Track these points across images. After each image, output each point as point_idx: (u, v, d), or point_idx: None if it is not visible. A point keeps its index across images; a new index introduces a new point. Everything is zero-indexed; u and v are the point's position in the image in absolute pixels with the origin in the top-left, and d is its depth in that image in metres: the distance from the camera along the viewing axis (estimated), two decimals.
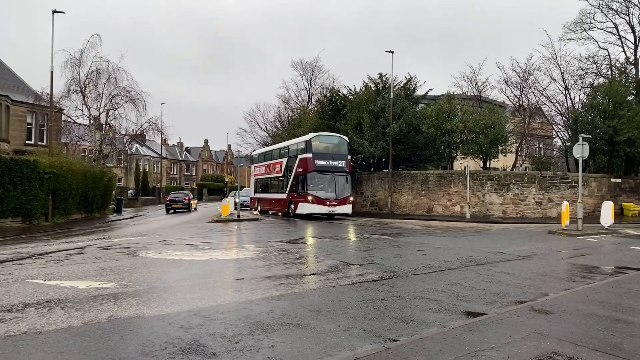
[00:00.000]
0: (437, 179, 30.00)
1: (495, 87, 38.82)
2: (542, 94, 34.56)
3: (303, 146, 27.57)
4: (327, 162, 26.83)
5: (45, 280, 8.30)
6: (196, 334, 5.26)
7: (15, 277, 8.60)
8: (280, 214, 30.65)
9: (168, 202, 36.48)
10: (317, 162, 26.48)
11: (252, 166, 37.92)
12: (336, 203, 26.39)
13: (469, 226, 22.30)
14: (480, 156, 30.91)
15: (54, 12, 25.22)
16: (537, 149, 43.44)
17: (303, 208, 26.38)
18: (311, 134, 28.30)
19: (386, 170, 32.42)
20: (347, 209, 26.86)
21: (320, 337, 5.17)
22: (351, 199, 27.77)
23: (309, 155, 26.57)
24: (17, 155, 25.08)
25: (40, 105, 31.07)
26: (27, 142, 32.66)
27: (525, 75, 33.81)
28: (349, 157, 28.32)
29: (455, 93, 34.26)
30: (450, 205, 29.24)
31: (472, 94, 35.45)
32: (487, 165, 32.39)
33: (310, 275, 8.85)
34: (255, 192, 35.73)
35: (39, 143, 32.55)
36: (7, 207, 19.47)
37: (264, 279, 8.52)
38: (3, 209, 19.36)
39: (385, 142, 30.87)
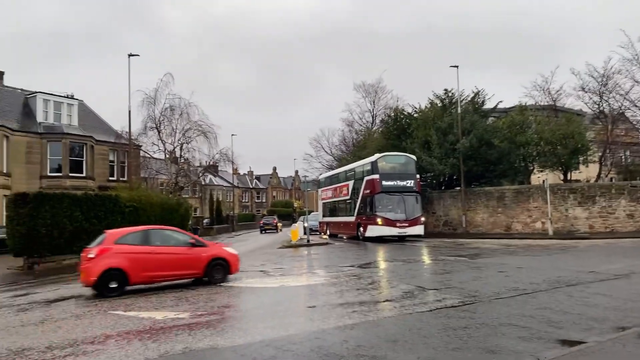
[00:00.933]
0: (514, 194, 28.48)
1: (570, 94, 36.34)
2: (624, 98, 32.03)
3: (369, 167, 26.98)
4: (395, 183, 26.08)
5: (125, 312, 8.54)
6: None
7: (99, 309, 8.94)
8: (346, 237, 30.29)
9: (261, 225, 47.36)
10: (384, 182, 25.80)
11: (320, 190, 37.92)
12: (407, 224, 25.37)
13: (553, 243, 20.82)
14: (560, 168, 29.06)
15: (130, 55, 27.03)
16: (623, 157, 40.23)
17: (372, 231, 25.58)
18: (377, 155, 27.67)
19: (458, 188, 31.28)
20: (418, 229, 25.78)
21: None
22: (422, 219, 26.84)
23: (376, 176, 25.98)
24: (101, 191, 26.77)
25: (121, 143, 33.10)
26: (110, 178, 34.81)
27: (604, 79, 31.51)
28: (418, 176, 27.50)
29: (527, 103, 32.68)
30: (530, 222, 27.56)
31: (545, 103, 33.63)
32: (568, 178, 30.37)
33: (384, 301, 8.48)
34: (324, 216, 35.38)
35: (121, 178, 34.60)
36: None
37: (336, 306, 8.26)
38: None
39: (456, 159, 29.86)
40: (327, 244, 26.35)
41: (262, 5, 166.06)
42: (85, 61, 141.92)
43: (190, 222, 38.19)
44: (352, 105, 74.33)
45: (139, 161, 34.63)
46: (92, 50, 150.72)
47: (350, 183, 29.55)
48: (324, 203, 35.62)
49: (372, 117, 57.19)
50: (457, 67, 30.04)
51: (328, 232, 33.61)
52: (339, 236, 31.84)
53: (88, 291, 11.31)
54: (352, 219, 28.58)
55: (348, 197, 29.80)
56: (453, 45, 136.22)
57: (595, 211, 25.64)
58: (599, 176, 32.95)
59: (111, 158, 35.43)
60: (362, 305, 8.15)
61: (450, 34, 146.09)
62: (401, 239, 26.18)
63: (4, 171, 28.22)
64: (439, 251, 19.04)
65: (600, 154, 32.87)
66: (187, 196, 44.18)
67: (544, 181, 25.51)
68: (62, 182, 30.26)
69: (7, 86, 33.77)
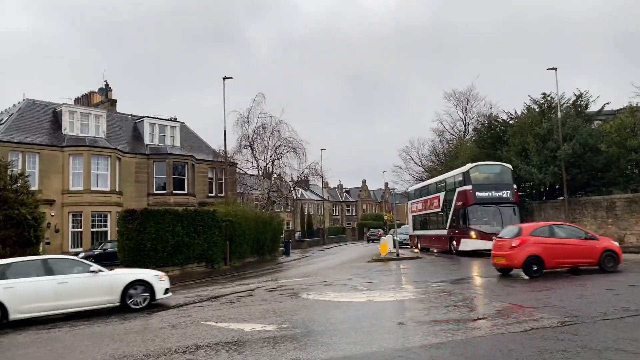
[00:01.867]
0: (626, 204, 25.89)
1: None
2: None
3: (461, 178, 25.93)
4: (490, 194, 24.78)
5: (216, 323, 8.91)
6: None
7: (193, 319, 9.41)
8: (437, 251, 29.32)
9: (368, 236, 56.48)
10: (477, 194, 24.62)
11: (409, 202, 36.90)
12: None
13: None
14: None
15: (224, 78, 28.66)
16: None
17: (466, 244, 24.36)
18: (469, 165, 26.57)
19: (561, 198, 29.08)
20: None
21: None
22: None
23: (469, 187, 24.83)
24: (200, 207, 28.45)
25: (218, 161, 35.07)
26: (209, 194, 36.94)
27: None
28: (515, 186, 25.93)
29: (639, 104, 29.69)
30: None
31: None
32: None
33: (474, 320, 8.04)
34: (414, 229, 34.53)
35: (219, 194, 36.57)
36: (192, 254, 21.94)
37: (423, 323, 7.97)
38: (190, 255, 21.85)
39: (557, 167, 27.84)
40: (417, 257, 25.69)
41: (341, 17, 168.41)
42: (180, 85, 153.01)
43: (282, 236, 39.34)
44: (443, 114, 72.41)
45: (235, 178, 36.37)
46: (186, 75, 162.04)
47: (441, 195, 28.61)
48: (414, 216, 34.79)
49: (465, 126, 55.31)
50: (555, 69, 28.16)
51: (419, 246, 32.73)
52: (431, 250, 30.89)
53: (184, 301, 11.99)
54: (444, 232, 27.58)
55: (439, 210, 28.83)
56: (548, 46, 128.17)
57: None
58: None
59: (210, 175, 37.62)
60: (450, 324, 7.79)
61: (544, 34, 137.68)
62: None
63: (117, 190, 31.02)
64: None
65: None
66: (279, 210, 45.50)
67: None
68: (167, 199, 32.62)
69: (119, 113, 37.32)
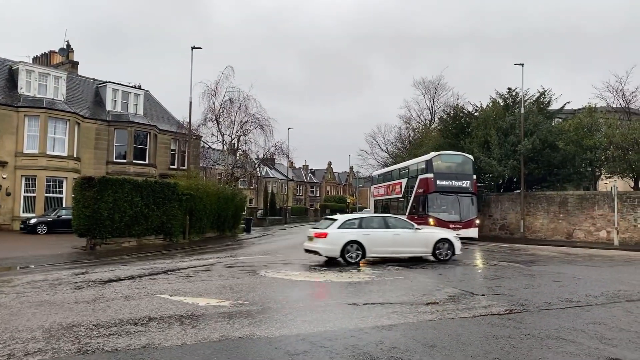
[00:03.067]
0: (577, 200, 27.01)
1: None
2: None
3: (424, 166, 26.50)
4: (450, 183, 25.54)
5: (171, 296, 8.82)
6: None
7: (147, 292, 9.28)
8: None
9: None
10: (438, 182, 25.32)
11: (372, 187, 37.56)
12: (460, 226, 24.62)
13: (618, 254, 19.55)
14: (631, 175, 27.19)
15: (192, 48, 27.89)
16: None
17: None
18: (432, 153, 27.18)
19: (518, 191, 30.05)
20: (472, 232, 25.08)
21: None
22: (477, 221, 26.12)
23: (430, 175, 25.54)
24: (161, 179, 27.87)
25: (182, 133, 34.33)
26: (171, 166, 36.24)
27: None
28: (475, 177, 26.73)
29: (598, 105, 30.80)
30: (594, 231, 26.05)
31: (618, 105, 31.58)
32: (639, 185, 28.40)
33: (427, 304, 8.25)
34: (375, 213, 35.26)
35: (181, 167, 35.91)
36: (151, 226, 21.53)
37: (376, 305, 8.14)
38: (148, 227, 21.43)
39: (516, 161, 28.69)
40: None
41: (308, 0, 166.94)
42: (141, 52, 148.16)
43: (244, 213, 39.10)
44: (411, 102, 73.40)
45: (199, 151, 35.79)
46: (150, 43, 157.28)
47: (404, 181, 29.13)
48: (375, 200, 35.20)
49: (431, 115, 56.19)
50: (522, 65, 28.82)
51: None
52: None
53: (139, 272, 11.82)
54: (403, 218, 28.10)
55: (401, 196, 29.43)
56: (515, 44, 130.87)
57: None
58: None
59: (172, 147, 36.87)
60: (403, 306, 7.99)
61: (510, 33, 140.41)
62: None
63: (75, 156, 30.02)
64: (492, 256, 18.39)
65: None
66: (242, 187, 45.13)
67: (612, 187, 23.97)
68: (126, 168, 31.83)
69: (80, 76, 35.87)
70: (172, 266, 13.79)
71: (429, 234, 15.37)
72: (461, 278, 11.89)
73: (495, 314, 7.48)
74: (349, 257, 13.97)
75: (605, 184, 29.74)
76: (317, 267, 13.60)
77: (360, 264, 14.10)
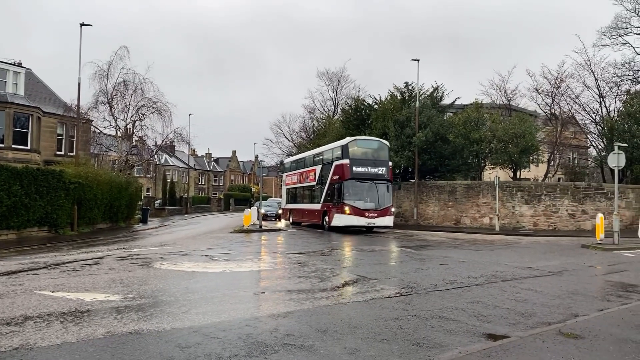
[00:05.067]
0: (465, 189, 29.19)
1: (525, 95, 37.61)
2: (575, 101, 33.34)
3: (339, 152, 25.37)
4: (366, 169, 24.56)
5: (52, 292, 8.14)
6: (191, 354, 4.92)
7: (25, 288, 8.48)
8: (307, 225, 29.29)
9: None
10: (354, 168, 24.20)
11: (284, 175, 36.02)
12: (376, 214, 23.90)
13: (498, 239, 21.48)
14: (510, 166, 29.97)
15: (81, 25, 25.77)
16: (570, 159, 41.94)
17: (339, 220, 23.95)
18: (348, 138, 26.17)
19: (412, 181, 31.76)
20: (388, 220, 24.36)
21: None
22: (393, 209, 25.53)
23: (346, 161, 24.33)
24: (46, 166, 25.58)
25: (70, 117, 31.68)
26: (58, 152, 33.36)
27: (557, 82, 32.72)
28: (390, 163, 26.15)
29: (484, 102, 33.46)
30: (478, 217, 28.36)
31: (501, 102, 34.54)
32: (518, 176, 31.39)
33: (323, 290, 8.43)
34: (287, 202, 33.79)
35: (69, 154, 33.18)
36: (33, 217, 19.72)
37: (274, 292, 8.17)
38: (29, 218, 19.61)
39: (411, 152, 30.28)
40: (279, 230, 26.23)
41: None
42: (37, 29, 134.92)
43: (140, 202, 37.23)
44: (315, 92, 74.54)
45: (89, 136, 33.32)
46: (46, 19, 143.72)
47: (318, 168, 28.00)
48: (288, 189, 33.76)
49: (334, 106, 57.39)
50: (417, 60, 30.33)
51: (291, 220, 32.21)
52: (303, 224, 30.52)
53: (16, 268, 10.78)
54: (317, 206, 27.26)
55: (314, 183, 28.27)
56: (415, 42, 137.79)
57: (540, 209, 26.64)
58: (546, 176, 34.28)
59: (59, 131, 33.94)
60: (300, 294, 8.09)
61: (412, 30, 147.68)
62: (369, 229, 25.14)
63: None
64: (387, 241, 19.27)
65: (549, 154, 34.14)
66: (139, 175, 42.85)
67: (495, 178, 26.21)
68: (4, 154, 28.76)
69: None
70: (56, 260, 12.73)
71: None
72: (357, 264, 12.31)
73: (386, 297, 7.84)
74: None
75: (489, 174, 32.53)
76: (216, 258, 13.33)
77: (261, 254, 14.05)
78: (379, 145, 26.16)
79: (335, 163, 25.39)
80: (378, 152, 25.71)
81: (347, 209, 23.55)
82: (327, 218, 25.48)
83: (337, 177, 24.74)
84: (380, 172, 24.79)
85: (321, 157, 28.24)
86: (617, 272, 11.23)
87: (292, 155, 57.60)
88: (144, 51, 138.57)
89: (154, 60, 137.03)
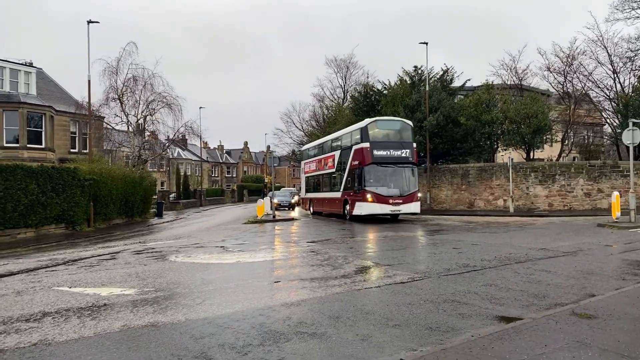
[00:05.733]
0: (477, 172, 28.96)
1: (537, 74, 36.91)
2: (588, 79, 32.68)
3: (358, 135, 23.22)
4: (388, 152, 22.36)
5: (70, 288, 8.30)
6: (205, 344, 5.00)
7: (43, 285, 8.66)
8: (327, 214, 28.02)
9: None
10: (375, 152, 22.02)
11: (302, 162, 34.46)
12: (401, 201, 21.82)
13: (512, 221, 21.32)
14: (523, 147, 29.62)
15: (89, 22, 25.90)
16: (585, 137, 41.29)
17: (361, 208, 22.15)
18: (367, 120, 23.85)
19: (424, 165, 31.57)
20: (414, 207, 22.29)
21: (334, 347, 4.80)
22: (419, 195, 23.34)
23: (366, 144, 22.20)
24: (60, 164, 25.94)
25: (82, 114, 31.99)
26: (72, 150, 33.78)
27: (569, 60, 32.06)
28: (415, 145, 23.74)
29: (495, 82, 32.99)
30: (492, 200, 28.15)
31: (512, 82, 34.04)
32: (531, 157, 31.03)
33: (336, 278, 8.47)
34: (307, 191, 32.20)
35: (82, 151, 33.58)
36: (50, 214, 20.05)
37: (287, 282, 8.24)
38: (47, 215, 19.94)
39: (422, 136, 30.04)
40: (293, 219, 26.35)
41: None
42: (47, 29, 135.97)
43: (155, 196, 37.62)
44: (324, 80, 74.07)
45: (101, 133, 33.59)
46: (55, 18, 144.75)
47: (337, 153, 26.15)
48: (307, 177, 32.12)
49: (344, 93, 57.16)
50: (426, 43, 29.99)
51: (311, 210, 30.82)
52: (324, 214, 29.05)
53: (35, 265, 11.00)
54: (338, 194, 25.49)
55: (334, 170, 26.45)
56: (422, 22, 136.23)
57: (554, 190, 26.36)
58: (560, 155, 33.82)
59: (72, 129, 34.33)
60: (312, 282, 8.14)
61: (418, 11, 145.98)
62: (394, 218, 23.60)
63: None
64: (400, 227, 19.24)
65: (563, 133, 33.66)
66: (152, 170, 43.18)
67: (508, 159, 25.95)
68: (20, 154, 29.18)
69: None
70: (73, 256, 12.96)
71: None
72: (370, 250, 12.34)
73: (399, 283, 7.86)
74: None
75: (502, 156, 32.20)
76: (230, 249, 13.45)
77: (274, 244, 14.14)
78: (402, 126, 23.86)
79: (354, 147, 23.44)
80: (401, 133, 23.58)
81: (369, 196, 21.65)
82: (347, 207, 23.93)
83: (357, 162, 22.81)
84: (404, 154, 22.59)
85: (339, 142, 26.49)
86: (634, 251, 11.10)
87: (302, 144, 57.67)
88: (148, 46, 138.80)
89: (159, 55, 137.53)
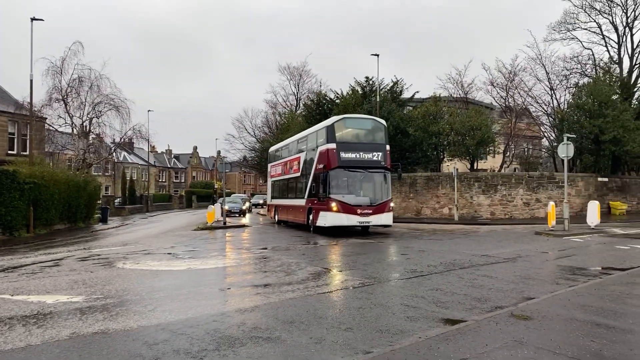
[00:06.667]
0: (425, 181, 29.90)
1: (481, 88, 38.84)
2: (528, 94, 34.68)
3: (324, 135, 20.28)
4: (358, 155, 19.56)
5: (12, 295, 7.99)
6: (159, 350, 5.00)
7: None
8: (293, 224, 24.84)
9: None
10: (342, 155, 19.25)
11: (269, 165, 31.39)
12: (371, 211, 18.92)
13: (457, 228, 22.18)
14: (468, 158, 30.86)
15: (32, 19, 24.83)
16: (524, 149, 43.57)
17: (325, 219, 19.07)
18: (334, 118, 21.20)
19: (399, 171, 32.00)
20: (386, 218, 19.39)
21: (289, 351, 4.93)
22: (392, 204, 20.20)
23: (332, 145, 19.38)
24: None
25: (22, 115, 30.51)
26: (10, 152, 32.10)
27: (511, 76, 33.90)
28: (388, 147, 20.62)
29: (442, 95, 34.29)
30: (438, 208, 29.12)
31: (458, 95, 35.48)
32: (475, 167, 32.36)
33: (288, 284, 8.60)
34: (273, 197, 29.30)
35: (22, 153, 32.00)
36: None
37: (240, 288, 8.28)
38: None
39: None
40: (244, 226, 26.19)
41: None
42: None
43: (99, 201, 36.32)
44: (277, 87, 74.23)
45: (44, 135, 32.13)
46: None
47: (302, 155, 23.21)
48: (272, 182, 29.29)
49: (297, 101, 57.38)
50: (377, 55, 30.77)
51: (276, 218, 27.72)
52: (290, 223, 25.61)
53: None
54: (302, 202, 22.35)
55: (299, 174, 23.42)
56: (373, 33, 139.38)
57: (496, 199, 27.60)
58: (502, 166, 35.48)
59: (11, 130, 32.65)
60: (266, 288, 8.23)
61: (370, 24, 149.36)
62: (364, 230, 20.54)
63: None
64: (352, 234, 19.57)
65: (504, 145, 35.37)
66: (97, 174, 41.68)
67: (453, 169, 26.98)
68: None
69: None
70: (13, 263, 12.39)
71: None
72: (322, 257, 12.54)
73: (350, 288, 8.09)
74: None
75: (448, 166, 33.39)
76: (180, 256, 13.28)
77: (226, 251, 14.07)
78: (374, 125, 20.96)
79: (319, 149, 20.51)
80: (372, 133, 20.77)
81: (333, 205, 18.72)
82: (311, 216, 20.74)
83: (321, 165, 19.83)
84: (375, 158, 19.74)
85: (305, 142, 23.40)
86: (567, 257, 11.89)
87: (254, 151, 57.37)
88: (94, 49, 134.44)
89: (107, 57, 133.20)
